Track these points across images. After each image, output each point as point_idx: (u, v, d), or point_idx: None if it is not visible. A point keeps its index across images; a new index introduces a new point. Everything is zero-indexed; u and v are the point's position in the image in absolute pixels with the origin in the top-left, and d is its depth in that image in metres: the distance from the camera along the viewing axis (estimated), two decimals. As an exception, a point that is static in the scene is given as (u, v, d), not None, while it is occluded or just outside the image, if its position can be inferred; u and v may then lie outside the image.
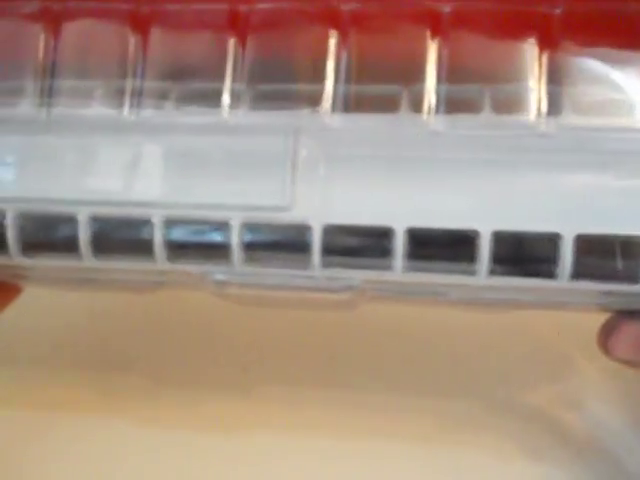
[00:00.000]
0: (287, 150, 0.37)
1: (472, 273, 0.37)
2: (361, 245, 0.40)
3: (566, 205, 0.34)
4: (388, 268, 0.38)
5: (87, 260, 0.36)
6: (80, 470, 0.54)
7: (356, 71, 0.36)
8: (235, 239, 0.37)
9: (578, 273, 0.33)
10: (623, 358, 0.38)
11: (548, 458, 0.49)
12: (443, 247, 0.39)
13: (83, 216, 0.35)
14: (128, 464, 0.54)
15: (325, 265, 0.38)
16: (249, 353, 0.60)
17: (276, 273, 0.40)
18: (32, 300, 0.48)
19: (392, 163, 0.38)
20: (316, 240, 0.39)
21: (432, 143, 0.37)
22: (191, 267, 0.37)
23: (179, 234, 0.37)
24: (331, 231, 0.39)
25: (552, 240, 0.34)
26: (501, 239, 0.36)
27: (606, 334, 0.40)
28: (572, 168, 0.34)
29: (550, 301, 0.37)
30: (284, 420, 0.56)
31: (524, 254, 0.36)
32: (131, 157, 0.36)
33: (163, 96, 0.36)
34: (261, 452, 0.54)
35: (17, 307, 0.49)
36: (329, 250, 0.40)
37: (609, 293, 0.35)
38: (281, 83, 0.37)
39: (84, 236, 0.35)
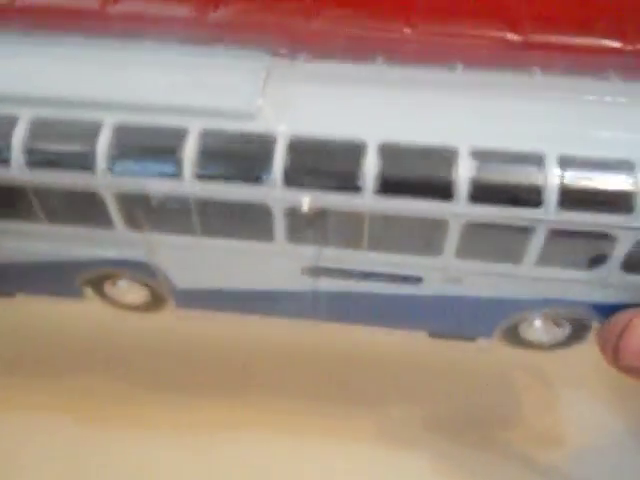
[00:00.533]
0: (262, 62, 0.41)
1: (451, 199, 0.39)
2: (329, 161, 0.42)
3: None
4: (358, 190, 0.40)
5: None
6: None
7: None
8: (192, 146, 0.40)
9: None
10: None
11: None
12: (419, 165, 0.41)
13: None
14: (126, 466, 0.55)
15: (288, 183, 0.41)
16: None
17: (233, 189, 0.42)
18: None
19: (361, 80, 0.41)
20: (280, 152, 0.42)
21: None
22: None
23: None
24: (297, 145, 0.42)
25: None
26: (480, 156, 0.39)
27: (617, 335, 0.40)
28: None
29: None
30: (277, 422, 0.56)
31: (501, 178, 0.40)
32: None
33: None
34: (256, 453, 0.55)
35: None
36: (294, 166, 0.42)
37: None
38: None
39: None
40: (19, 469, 0.56)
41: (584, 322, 0.49)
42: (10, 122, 0.44)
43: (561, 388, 0.60)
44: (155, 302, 0.54)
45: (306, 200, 0.43)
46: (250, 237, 0.47)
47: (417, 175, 0.42)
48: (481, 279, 0.47)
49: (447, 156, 0.41)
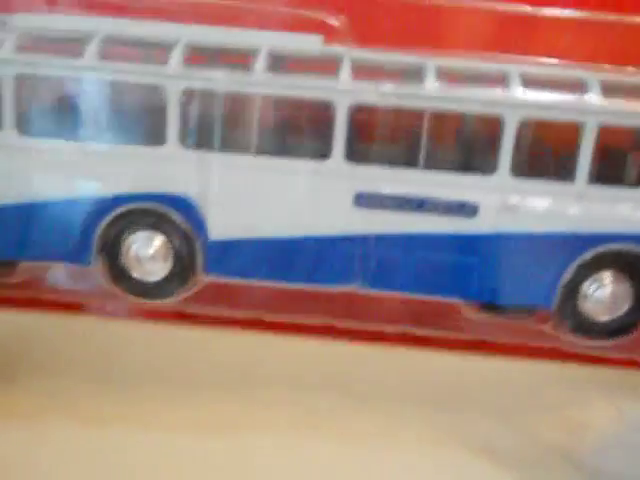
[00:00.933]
0: None
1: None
2: None
3: None
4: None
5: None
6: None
7: None
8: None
9: None
10: None
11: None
12: None
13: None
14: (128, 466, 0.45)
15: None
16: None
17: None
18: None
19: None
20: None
21: None
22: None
23: None
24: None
25: None
26: None
27: None
28: None
29: None
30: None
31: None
32: None
33: None
34: (258, 452, 0.46)
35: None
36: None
37: None
38: None
39: None
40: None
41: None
42: None
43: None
44: (180, 273, 0.49)
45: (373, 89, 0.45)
46: (305, 154, 0.47)
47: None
48: (538, 206, 0.46)
49: None
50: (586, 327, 0.48)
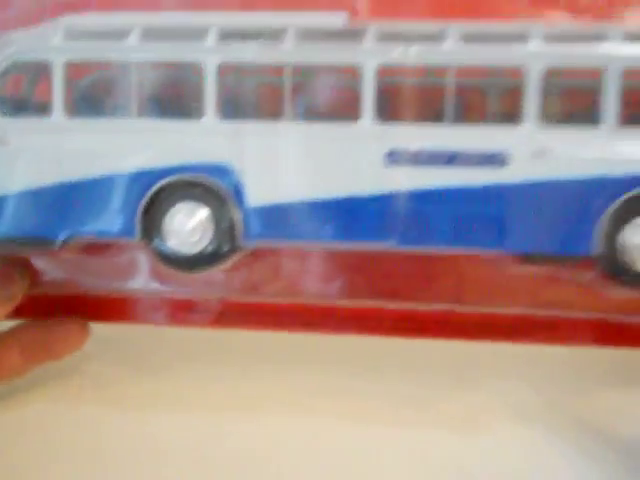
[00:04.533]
0: None
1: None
2: None
3: None
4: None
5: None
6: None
7: None
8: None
9: None
10: None
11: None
12: None
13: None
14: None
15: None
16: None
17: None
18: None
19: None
20: None
21: None
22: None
23: None
24: None
25: None
26: None
27: None
28: None
29: None
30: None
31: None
32: None
33: None
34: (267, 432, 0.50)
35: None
36: None
37: None
38: None
39: None
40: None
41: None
42: None
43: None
44: (220, 247, 0.50)
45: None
46: (334, 116, 0.49)
47: None
48: (567, 151, 0.47)
49: None
50: (627, 275, 0.48)
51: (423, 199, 0.48)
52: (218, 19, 0.51)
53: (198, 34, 0.50)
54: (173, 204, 0.50)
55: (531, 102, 0.47)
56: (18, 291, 0.51)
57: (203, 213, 0.50)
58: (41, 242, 0.51)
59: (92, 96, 0.51)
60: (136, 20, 0.51)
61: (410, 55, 0.48)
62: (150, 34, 0.50)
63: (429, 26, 0.50)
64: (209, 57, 0.49)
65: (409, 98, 0.49)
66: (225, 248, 0.50)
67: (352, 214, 0.49)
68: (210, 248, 0.50)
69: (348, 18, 0.50)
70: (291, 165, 0.49)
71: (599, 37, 0.47)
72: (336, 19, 0.50)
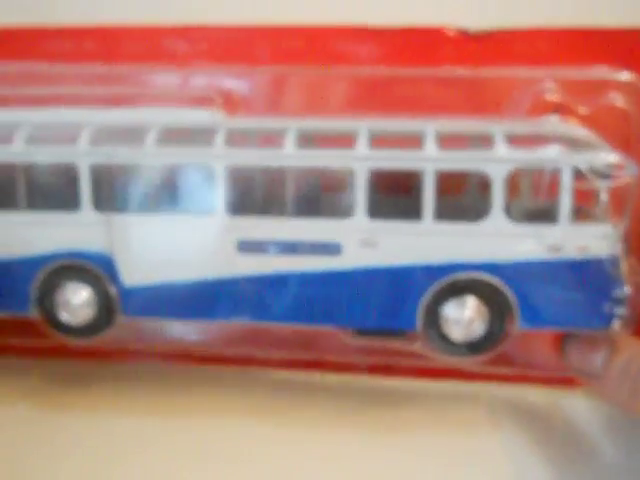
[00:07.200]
0: None
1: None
2: None
3: None
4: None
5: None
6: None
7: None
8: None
9: None
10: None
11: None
12: None
13: None
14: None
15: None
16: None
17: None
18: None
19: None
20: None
21: None
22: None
23: None
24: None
25: None
26: None
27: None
28: None
29: None
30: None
31: None
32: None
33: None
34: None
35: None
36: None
37: None
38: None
39: None
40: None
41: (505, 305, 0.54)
42: None
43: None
44: (105, 316, 0.58)
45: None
46: (191, 208, 0.56)
47: None
48: (395, 241, 0.54)
49: None
50: (446, 346, 0.55)
51: (270, 282, 0.56)
52: (94, 118, 0.58)
53: (73, 136, 0.56)
54: (62, 283, 0.58)
55: (360, 198, 0.54)
56: None
57: (85, 292, 0.58)
58: None
59: None
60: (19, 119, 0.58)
61: (254, 158, 0.55)
62: (33, 137, 0.57)
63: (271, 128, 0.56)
64: (83, 159, 0.56)
65: (256, 195, 0.56)
66: (104, 321, 0.58)
67: (210, 295, 0.56)
68: (93, 321, 0.58)
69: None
70: (156, 251, 0.57)
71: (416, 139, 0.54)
72: (204, 115, 0.57)
